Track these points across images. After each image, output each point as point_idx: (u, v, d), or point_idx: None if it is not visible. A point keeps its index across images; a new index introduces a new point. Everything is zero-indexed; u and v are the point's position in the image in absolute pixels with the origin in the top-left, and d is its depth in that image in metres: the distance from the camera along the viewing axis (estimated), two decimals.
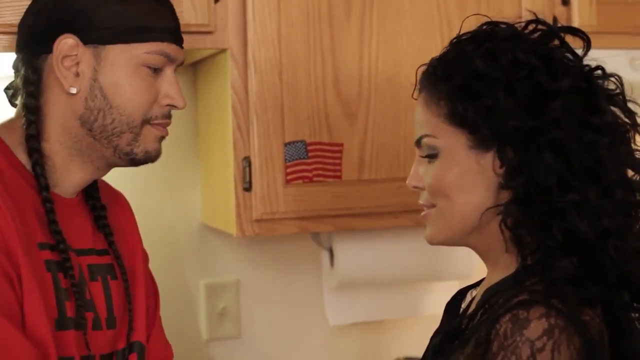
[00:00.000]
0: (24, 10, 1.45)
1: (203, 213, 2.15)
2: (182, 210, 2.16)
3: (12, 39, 1.49)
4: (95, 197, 1.51)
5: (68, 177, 1.44)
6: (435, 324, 1.44)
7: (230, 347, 2.21)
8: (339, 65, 1.88)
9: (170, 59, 1.44)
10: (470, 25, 1.33)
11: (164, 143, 1.51)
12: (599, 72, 1.28)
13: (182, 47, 1.48)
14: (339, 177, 1.88)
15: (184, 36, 1.51)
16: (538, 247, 1.21)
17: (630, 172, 1.26)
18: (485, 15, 1.33)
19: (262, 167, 1.83)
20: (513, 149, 1.22)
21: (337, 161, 1.88)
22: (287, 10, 1.84)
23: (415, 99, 1.34)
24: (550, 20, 1.33)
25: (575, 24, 1.98)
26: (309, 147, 1.86)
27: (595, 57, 1.29)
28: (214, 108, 2.00)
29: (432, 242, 1.34)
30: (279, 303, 2.24)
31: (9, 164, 1.39)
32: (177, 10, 1.51)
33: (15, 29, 1.46)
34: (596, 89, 1.26)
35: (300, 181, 1.86)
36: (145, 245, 1.64)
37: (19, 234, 1.32)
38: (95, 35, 1.39)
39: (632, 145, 1.27)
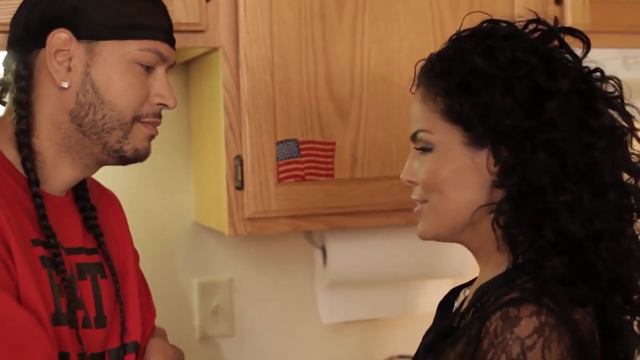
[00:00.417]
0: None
1: (196, 212, 2.15)
2: (175, 209, 2.16)
3: (4, 37, 1.49)
4: (85, 198, 1.51)
5: (57, 174, 1.44)
6: (428, 322, 1.44)
7: (223, 345, 2.21)
8: (331, 64, 1.87)
9: (162, 58, 1.45)
10: (465, 25, 1.33)
11: (157, 142, 1.51)
12: (598, 74, 1.27)
13: (174, 48, 1.49)
14: (332, 175, 1.88)
15: (176, 35, 1.51)
16: (530, 247, 1.21)
17: (625, 176, 1.26)
18: (486, 13, 1.33)
19: (254, 166, 1.83)
20: (508, 147, 1.22)
21: (330, 160, 1.88)
22: (278, 9, 1.83)
23: (413, 94, 1.34)
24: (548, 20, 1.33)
25: (569, 23, 1.98)
26: (301, 146, 1.86)
27: (588, 56, 1.29)
28: (206, 107, 2.00)
29: (423, 238, 1.34)
30: (272, 301, 2.24)
31: None
32: (169, 9, 1.51)
33: (8, 28, 1.46)
34: (595, 91, 1.26)
35: (292, 180, 1.85)
36: (139, 244, 1.64)
37: (13, 229, 1.32)
38: (89, 30, 1.40)
39: (629, 148, 1.27)
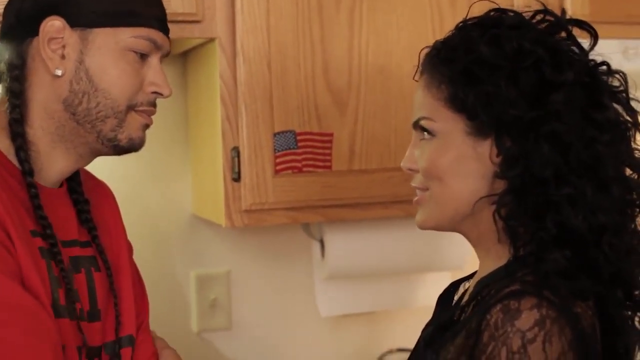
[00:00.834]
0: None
1: (193, 204, 2.14)
2: (172, 201, 2.16)
3: None
4: (78, 191, 1.50)
5: (51, 164, 1.43)
6: (428, 315, 1.43)
7: (220, 338, 2.20)
8: (329, 55, 1.86)
9: (156, 46, 1.44)
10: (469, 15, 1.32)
11: (154, 133, 1.50)
12: (604, 67, 1.26)
13: (168, 37, 1.48)
14: (329, 167, 1.87)
15: (172, 25, 1.50)
16: (531, 239, 1.21)
17: (628, 171, 1.26)
18: (492, 2, 1.32)
19: (251, 157, 1.82)
20: (511, 138, 1.21)
21: (327, 151, 1.87)
22: (275, 0, 1.82)
23: (417, 81, 1.33)
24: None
25: (568, 13, 1.96)
26: (299, 137, 1.85)
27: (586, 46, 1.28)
28: (203, 98, 1.99)
29: (423, 227, 1.33)
30: (270, 294, 2.24)
31: None
32: None
33: (0, 17, 1.45)
34: (600, 85, 1.25)
35: (289, 171, 1.85)
36: (135, 237, 1.63)
37: (12, 220, 1.31)
38: (83, 18, 1.39)
39: (632, 144, 1.26)
